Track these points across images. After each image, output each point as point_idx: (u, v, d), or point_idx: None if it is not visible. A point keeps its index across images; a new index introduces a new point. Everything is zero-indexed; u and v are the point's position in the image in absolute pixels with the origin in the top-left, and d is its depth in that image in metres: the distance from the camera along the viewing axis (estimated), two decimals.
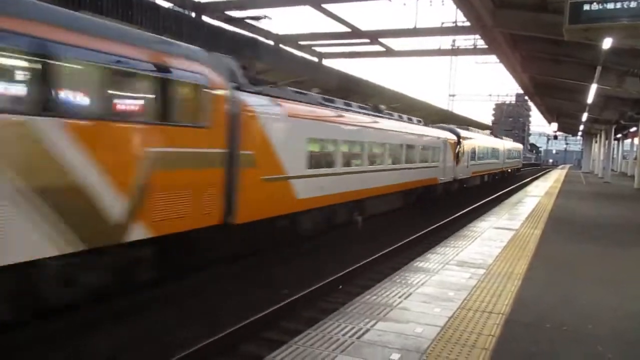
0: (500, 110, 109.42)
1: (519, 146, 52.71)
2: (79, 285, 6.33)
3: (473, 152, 28.00)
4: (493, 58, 23.76)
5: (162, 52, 7.19)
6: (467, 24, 18.54)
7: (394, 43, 25.20)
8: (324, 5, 18.48)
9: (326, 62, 26.95)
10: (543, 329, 4.87)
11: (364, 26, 22.60)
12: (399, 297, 5.62)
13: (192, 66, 7.64)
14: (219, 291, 8.55)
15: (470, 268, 7.15)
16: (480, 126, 46.09)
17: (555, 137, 71.91)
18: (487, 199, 23.63)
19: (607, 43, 9.32)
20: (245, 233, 9.20)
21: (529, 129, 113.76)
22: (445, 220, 16.42)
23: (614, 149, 42.08)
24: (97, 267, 6.50)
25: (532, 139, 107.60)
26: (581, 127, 43.25)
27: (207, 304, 7.90)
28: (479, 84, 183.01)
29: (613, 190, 25.50)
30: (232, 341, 6.41)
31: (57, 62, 5.61)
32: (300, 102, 11.36)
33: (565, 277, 7.01)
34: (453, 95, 65.56)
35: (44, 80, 5.48)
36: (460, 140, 25.43)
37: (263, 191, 9.47)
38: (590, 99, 20.08)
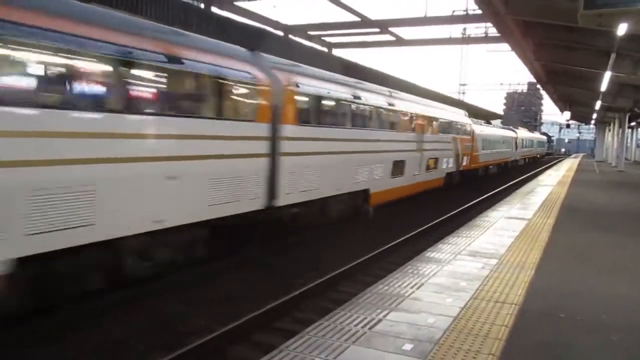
0: (512, 99, 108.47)
1: (545, 138, 73.72)
2: (453, 181, 21.76)
3: (521, 142, 43.34)
4: (504, 46, 23.50)
5: (465, 117, 24.81)
6: (479, 11, 18.34)
7: (404, 32, 25.02)
8: None
9: (336, 52, 26.82)
10: (557, 319, 4.82)
11: (373, 15, 22.44)
12: (411, 288, 5.60)
13: (465, 118, 24.34)
14: (230, 280, 8.59)
15: (483, 258, 7.10)
16: (492, 116, 47.23)
17: (568, 126, 71.14)
18: (499, 188, 23.48)
19: (622, 29, 9.14)
20: (467, 173, 24.18)
21: (541, 118, 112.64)
22: (457, 210, 16.35)
23: (627, 137, 41.51)
24: (455, 177, 22.17)
25: (544, 128, 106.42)
26: (594, 116, 42.69)
27: (219, 293, 7.95)
28: (490, 73, 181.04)
29: (627, 178, 25.21)
30: (245, 330, 6.45)
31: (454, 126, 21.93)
32: (478, 123, 28.60)
33: (579, 266, 6.94)
34: (464, 85, 64.94)
35: (449, 127, 20.80)
36: (517, 135, 41.01)
37: (474, 158, 24.64)
38: (604, 86, 19.80)
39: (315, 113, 10.74)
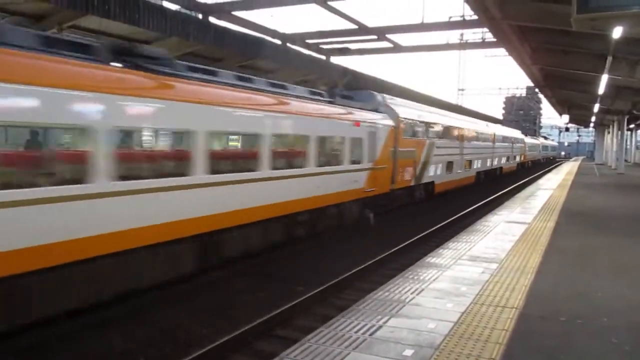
0: (511, 103, 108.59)
1: (557, 144, 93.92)
2: (517, 168, 42.81)
3: (543, 148, 65.32)
4: (502, 51, 23.54)
5: (521, 134, 48.72)
6: (475, 17, 18.40)
7: (402, 39, 25.09)
8: (330, 3, 18.43)
9: (334, 60, 26.90)
10: (557, 322, 4.83)
11: (371, 23, 22.51)
12: (412, 293, 5.61)
13: (521, 135, 47.17)
14: (232, 288, 8.60)
15: (483, 263, 7.11)
16: (492, 120, 49.97)
17: (567, 129, 71.53)
18: (499, 193, 23.48)
19: (617, 32, 9.18)
20: (521, 165, 44.99)
21: (540, 122, 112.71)
22: (457, 216, 16.35)
23: (626, 139, 41.58)
24: (518, 166, 43.70)
25: (543, 132, 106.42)
26: (593, 119, 42.74)
27: (221, 301, 7.94)
28: (489, 78, 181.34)
29: (627, 181, 25.21)
30: (247, 338, 6.45)
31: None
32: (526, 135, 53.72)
33: (579, 269, 6.95)
34: (462, 90, 64.95)
35: (517, 140, 43.55)
36: (540, 142, 62.13)
37: (525, 156, 47.26)
38: (601, 89, 19.83)
39: (501, 140, 33.72)
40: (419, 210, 17.93)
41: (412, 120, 17.30)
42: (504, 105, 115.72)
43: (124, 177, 6.69)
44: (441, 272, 6.56)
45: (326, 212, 11.89)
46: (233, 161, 9.44)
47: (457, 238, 9.16)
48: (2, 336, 5.83)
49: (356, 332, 4.45)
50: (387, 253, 10.94)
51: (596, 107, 29.65)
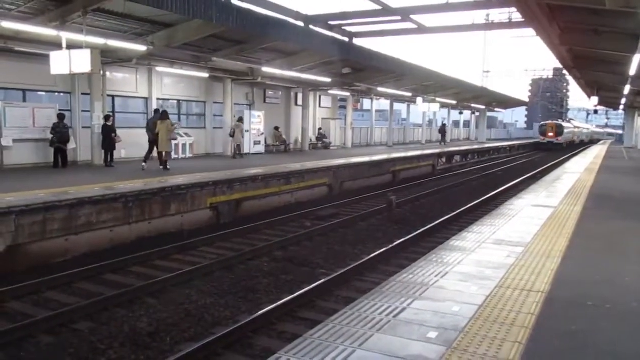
0: (537, 85, 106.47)
1: (600, 131, 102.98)
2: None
3: (598, 134, 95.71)
4: (529, 32, 22.98)
5: (587, 123, 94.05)
6: None
7: (426, 20, 24.68)
8: None
9: (357, 42, 26.62)
10: (585, 307, 4.74)
11: (394, 3, 22.16)
12: (435, 276, 5.57)
13: (587, 125, 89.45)
14: (255, 272, 8.68)
15: (508, 246, 7.02)
16: (517, 103, 50.38)
17: (596, 112, 70.42)
18: (524, 176, 23.12)
19: None
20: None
21: (567, 104, 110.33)
22: (481, 199, 16.17)
23: None
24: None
25: (570, 114, 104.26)
26: (623, 101, 41.59)
27: (244, 284, 8.03)
28: (515, 59, 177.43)
29: None
30: (270, 320, 6.51)
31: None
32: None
33: (608, 254, 6.80)
34: (487, 72, 63.83)
35: (582, 128, 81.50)
36: (596, 130, 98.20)
37: (591, 137, 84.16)
38: (633, 70, 19.25)
39: (584, 129, 76.72)
40: (441, 195, 17.78)
41: (575, 125, 64.60)
42: (530, 88, 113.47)
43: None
44: (465, 255, 6.50)
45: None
46: (579, 134, 66.22)
47: (481, 222, 9.04)
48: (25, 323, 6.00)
49: (380, 313, 4.44)
50: (410, 236, 10.90)
51: (627, 89, 28.81)
